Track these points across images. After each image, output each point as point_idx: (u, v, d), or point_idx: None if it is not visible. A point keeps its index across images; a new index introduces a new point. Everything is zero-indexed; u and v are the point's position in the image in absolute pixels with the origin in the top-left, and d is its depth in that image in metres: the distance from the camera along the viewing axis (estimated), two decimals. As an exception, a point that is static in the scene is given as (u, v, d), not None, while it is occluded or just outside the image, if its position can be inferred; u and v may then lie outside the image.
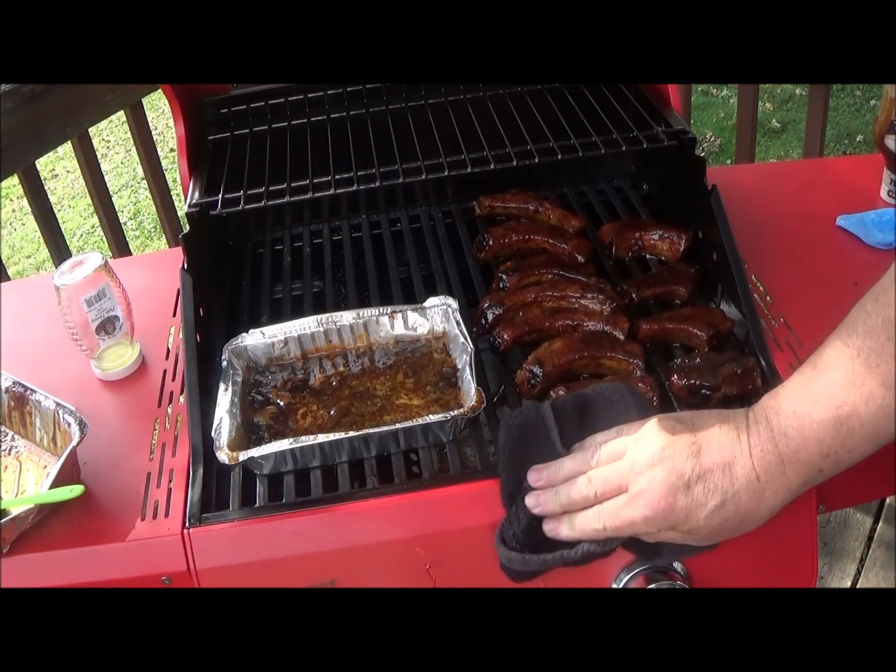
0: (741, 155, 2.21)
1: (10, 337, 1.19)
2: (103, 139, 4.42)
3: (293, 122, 1.30)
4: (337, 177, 1.13)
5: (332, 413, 0.99)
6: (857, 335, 0.73)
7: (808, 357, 0.77)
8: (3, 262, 1.91)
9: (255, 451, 0.90)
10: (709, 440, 0.74)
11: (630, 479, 0.74)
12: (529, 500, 0.79)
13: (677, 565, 0.88)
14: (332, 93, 1.32)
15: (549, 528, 0.79)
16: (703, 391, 0.94)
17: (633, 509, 0.74)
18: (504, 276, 1.13)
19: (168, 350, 1.15)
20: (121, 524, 0.90)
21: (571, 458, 0.79)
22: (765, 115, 3.62)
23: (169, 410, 1.05)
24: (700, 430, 0.75)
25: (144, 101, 2.08)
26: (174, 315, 1.20)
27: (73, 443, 0.92)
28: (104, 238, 2.22)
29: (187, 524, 0.88)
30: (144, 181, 2.92)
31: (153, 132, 2.27)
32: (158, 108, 4.30)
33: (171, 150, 3.98)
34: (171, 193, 2.28)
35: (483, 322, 1.08)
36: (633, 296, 1.09)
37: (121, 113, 2.06)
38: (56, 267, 1.08)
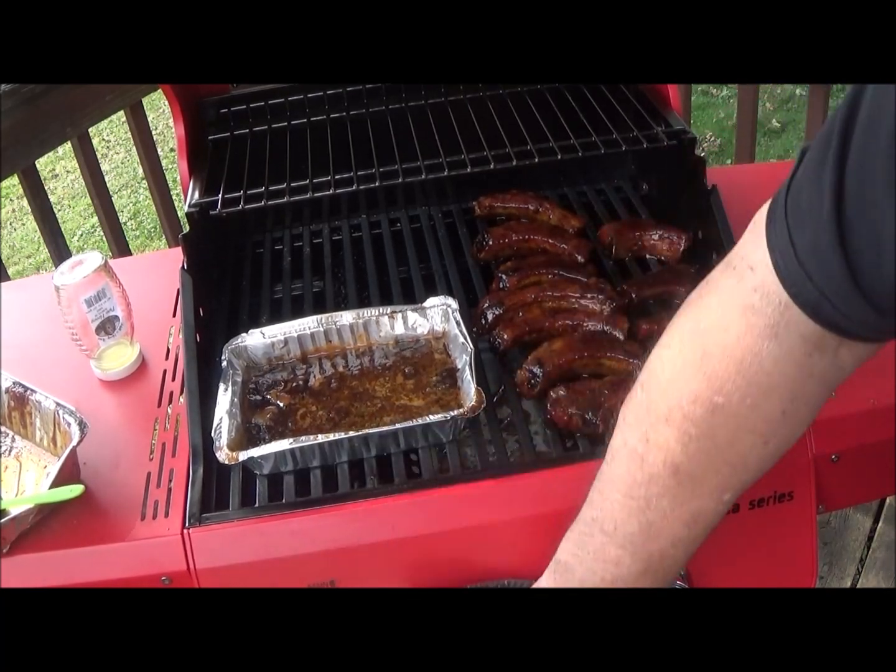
0: (741, 155, 2.21)
1: (10, 337, 1.19)
2: (103, 139, 4.41)
3: (293, 122, 1.30)
4: (337, 177, 1.13)
5: (331, 414, 0.99)
6: (638, 485, 0.67)
7: (581, 515, 0.73)
8: (3, 262, 1.91)
9: (255, 451, 0.90)
10: None
11: None
12: None
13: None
14: (332, 93, 1.32)
15: None
16: (703, 391, 0.94)
17: None
18: (504, 276, 1.13)
19: (168, 350, 1.15)
20: (121, 524, 0.90)
21: None
22: (765, 115, 3.62)
23: (169, 410, 1.05)
24: None
25: (144, 101, 2.08)
26: (174, 315, 1.20)
27: (73, 443, 0.92)
28: (104, 238, 2.22)
29: (187, 524, 0.88)
30: (144, 181, 2.92)
31: (153, 132, 2.27)
32: (158, 108, 4.30)
33: (171, 150, 3.98)
34: (171, 193, 2.28)
35: (483, 322, 1.08)
36: (633, 296, 1.09)
37: (121, 113, 2.06)
38: (56, 267, 1.08)
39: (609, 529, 0.70)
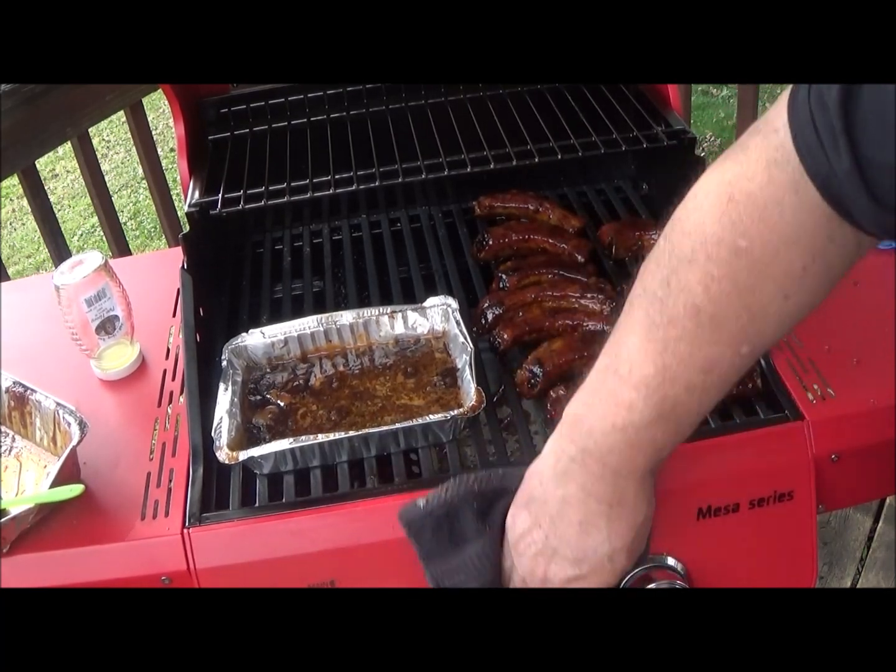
0: (741, 155, 2.21)
1: (10, 337, 1.19)
2: (103, 139, 4.42)
3: (293, 122, 1.30)
4: (337, 177, 1.13)
5: (332, 413, 0.99)
6: (657, 327, 0.67)
7: (594, 367, 0.72)
8: (3, 262, 1.91)
9: (255, 451, 0.90)
10: (555, 524, 0.73)
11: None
12: None
13: (677, 565, 0.88)
14: (332, 93, 1.32)
15: None
16: (703, 391, 0.94)
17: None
18: (504, 276, 1.13)
19: (168, 350, 1.15)
20: (121, 524, 0.90)
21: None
22: (765, 115, 3.61)
23: (169, 410, 1.05)
24: (541, 519, 0.74)
25: (144, 101, 2.08)
26: (174, 315, 1.20)
27: (73, 443, 0.92)
28: (104, 238, 2.22)
29: (187, 524, 0.88)
30: (144, 181, 2.92)
31: (153, 132, 2.27)
32: (158, 108, 4.30)
33: (171, 150, 3.98)
34: (171, 193, 2.28)
35: (483, 322, 1.08)
36: (633, 296, 1.09)
37: (121, 113, 2.06)
38: (56, 267, 1.08)
39: (624, 372, 0.68)
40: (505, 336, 1.04)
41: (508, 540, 0.78)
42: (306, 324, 1.07)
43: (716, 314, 0.65)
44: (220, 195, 1.13)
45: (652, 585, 0.86)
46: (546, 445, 0.76)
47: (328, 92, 1.32)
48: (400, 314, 1.07)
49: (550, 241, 1.20)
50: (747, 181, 0.64)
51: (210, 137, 1.29)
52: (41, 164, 2.36)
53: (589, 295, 1.07)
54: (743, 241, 0.63)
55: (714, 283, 0.64)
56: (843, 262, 0.66)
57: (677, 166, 1.19)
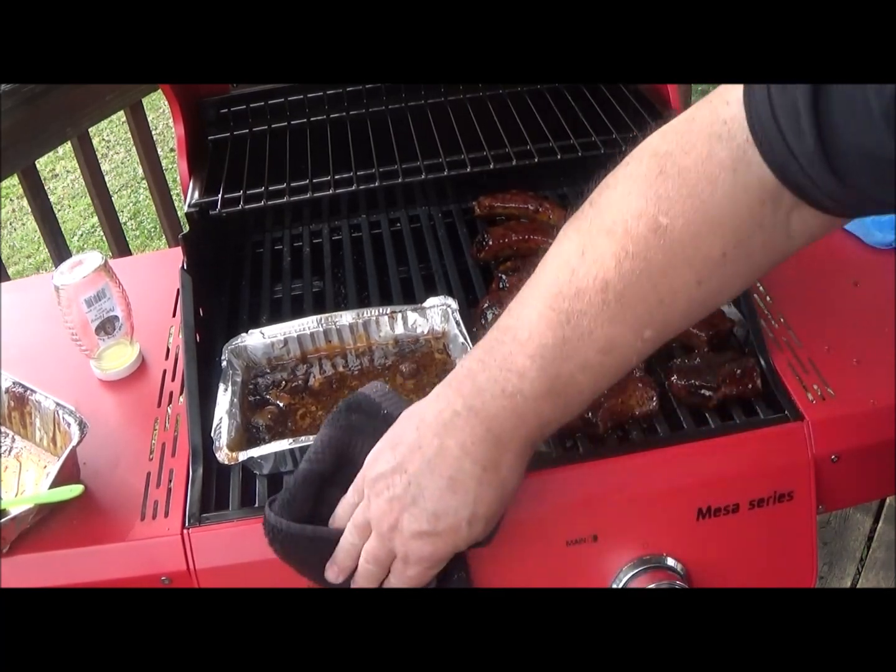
0: (741, 155, 2.21)
1: (10, 337, 1.19)
2: (103, 139, 4.41)
3: (293, 122, 1.30)
4: (336, 177, 1.13)
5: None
6: (563, 297, 0.65)
7: (497, 323, 0.69)
8: (3, 262, 1.91)
9: (255, 451, 0.90)
10: (421, 471, 0.69)
11: (390, 546, 0.72)
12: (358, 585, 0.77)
13: (677, 565, 0.88)
14: (332, 93, 1.32)
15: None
16: (702, 391, 0.94)
17: (414, 567, 0.73)
18: (504, 276, 1.13)
19: (168, 350, 1.15)
20: (120, 524, 0.90)
21: (342, 547, 0.76)
22: (765, 115, 3.61)
23: (169, 410, 1.05)
24: (408, 464, 0.70)
25: (144, 101, 2.08)
26: (174, 315, 1.20)
27: (73, 443, 0.92)
28: (104, 238, 2.22)
29: (187, 524, 0.88)
30: (144, 181, 2.92)
31: (153, 132, 2.27)
32: (158, 108, 4.30)
33: (171, 150, 3.98)
34: (171, 193, 2.28)
35: (483, 322, 1.08)
36: (633, 296, 1.09)
37: (121, 113, 2.06)
38: (56, 267, 1.08)
39: (522, 338, 0.66)
40: (505, 336, 1.04)
41: (367, 473, 0.74)
42: (306, 324, 1.07)
43: (623, 293, 0.63)
44: (219, 195, 1.13)
45: (652, 585, 0.86)
46: (433, 391, 0.72)
47: (328, 92, 1.32)
48: (400, 314, 1.07)
49: (550, 241, 1.20)
50: (683, 154, 0.62)
51: (210, 137, 1.29)
52: (41, 164, 2.36)
53: (589, 295, 1.07)
54: (664, 219, 0.61)
55: (627, 259, 0.62)
56: (766, 254, 0.64)
57: (677, 166, 1.19)
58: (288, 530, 0.77)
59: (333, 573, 0.77)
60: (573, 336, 0.64)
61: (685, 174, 0.61)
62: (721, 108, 0.62)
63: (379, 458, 0.73)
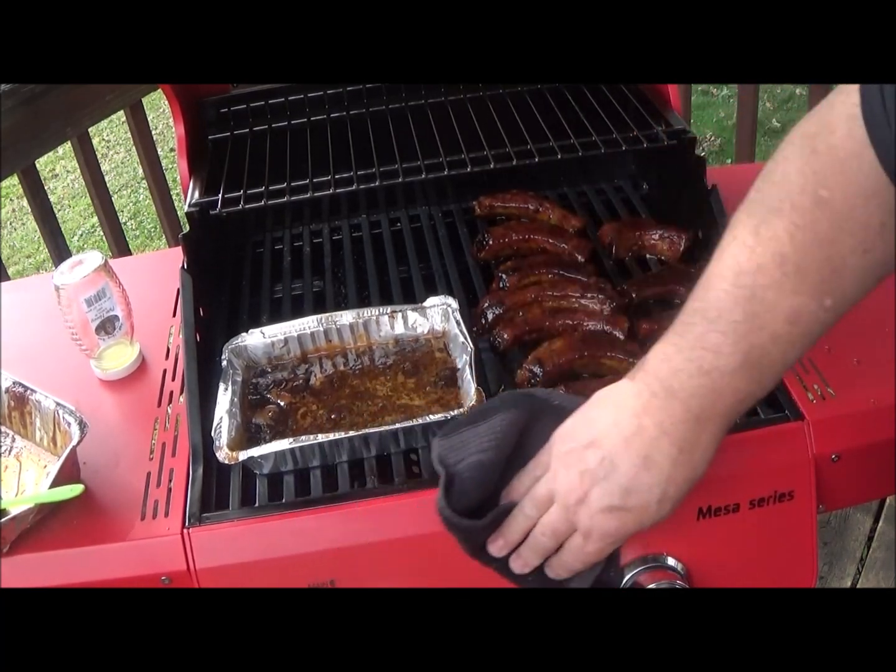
0: (741, 155, 2.21)
1: (10, 337, 1.19)
2: (103, 139, 4.42)
3: (293, 122, 1.30)
4: (337, 176, 1.13)
5: (332, 413, 0.99)
6: (745, 274, 0.69)
7: (684, 309, 0.74)
8: (3, 262, 1.91)
9: (255, 451, 0.90)
10: (616, 448, 0.72)
11: (573, 519, 0.74)
12: (516, 566, 0.80)
13: (677, 565, 0.88)
14: (332, 92, 1.32)
15: (548, 573, 0.80)
16: (703, 391, 0.94)
17: (593, 543, 0.75)
18: (504, 276, 1.13)
19: (168, 350, 1.15)
20: (120, 524, 0.90)
21: (515, 520, 0.78)
22: (765, 114, 3.62)
23: (169, 410, 1.05)
24: (602, 440, 0.73)
25: (144, 101, 2.08)
26: (174, 315, 1.20)
27: (73, 443, 0.92)
28: (104, 238, 2.22)
29: (187, 524, 0.88)
30: (144, 181, 2.92)
31: (153, 132, 2.27)
32: (158, 108, 4.30)
33: (171, 150, 3.98)
34: (171, 193, 2.28)
35: (483, 322, 1.08)
36: (633, 296, 1.09)
37: (121, 113, 2.06)
38: (56, 267, 1.08)
39: (712, 317, 0.70)
40: (505, 336, 1.04)
41: (556, 448, 0.76)
42: (306, 324, 1.07)
43: (800, 264, 0.67)
44: (220, 195, 1.13)
45: (652, 585, 0.86)
46: (627, 377, 0.76)
47: (328, 92, 1.32)
48: (400, 314, 1.07)
49: (550, 241, 1.20)
50: (829, 134, 0.67)
51: (210, 137, 1.29)
52: (41, 164, 2.37)
53: (589, 295, 1.07)
54: (824, 192, 0.66)
55: (798, 231, 0.67)
56: None
57: (677, 166, 1.19)
58: (460, 525, 0.78)
59: (498, 547, 0.79)
60: (761, 310, 0.68)
61: (834, 151, 0.67)
62: (853, 94, 0.66)
63: (572, 434, 0.76)
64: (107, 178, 2.19)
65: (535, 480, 0.77)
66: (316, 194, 1.12)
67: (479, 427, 0.80)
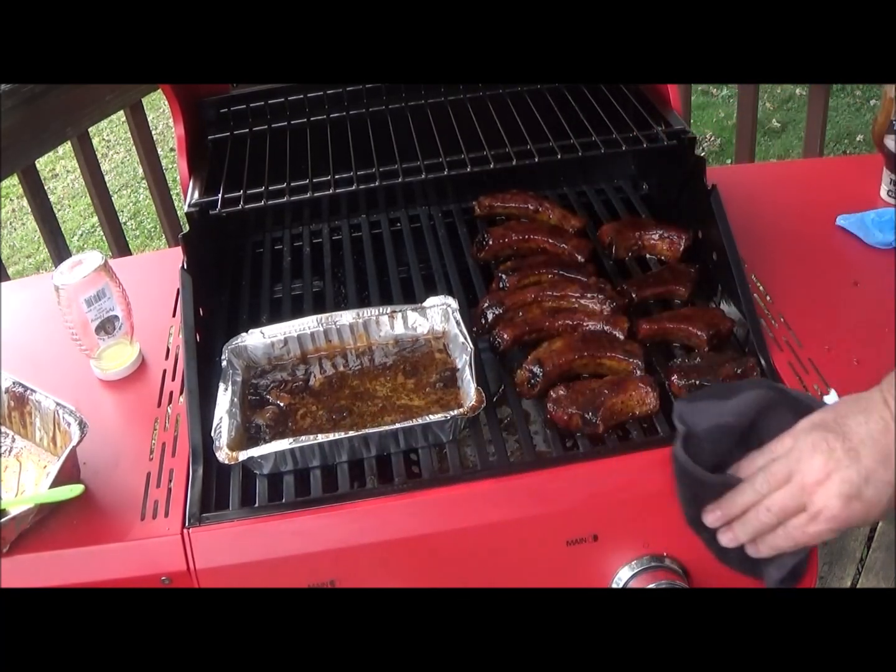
0: (741, 155, 2.21)
1: (10, 337, 1.19)
2: (103, 139, 4.42)
3: (293, 122, 1.30)
4: (337, 176, 1.13)
5: (332, 413, 0.99)
6: None
7: None
8: (3, 262, 1.91)
9: (255, 451, 0.90)
10: (863, 441, 0.77)
11: (805, 499, 0.78)
12: (724, 539, 0.84)
13: (677, 565, 0.88)
14: (332, 93, 1.32)
15: (751, 550, 0.84)
16: (703, 391, 0.94)
17: (818, 525, 0.78)
18: (504, 276, 1.13)
19: (168, 350, 1.15)
20: (120, 524, 0.90)
21: (741, 493, 0.82)
22: (765, 115, 3.62)
23: (169, 410, 1.05)
24: (851, 433, 0.77)
25: (144, 101, 2.08)
26: (174, 315, 1.20)
27: (73, 443, 0.92)
28: (104, 238, 2.22)
29: (187, 524, 0.88)
30: (144, 181, 2.92)
31: (153, 132, 2.27)
32: (158, 108, 4.30)
33: (171, 150, 3.98)
34: (171, 193, 2.28)
35: (483, 322, 1.08)
36: (633, 296, 1.09)
37: (121, 113, 2.06)
38: (56, 267, 1.08)
39: None
40: (505, 336, 1.04)
41: (803, 433, 0.80)
42: (306, 324, 1.06)
43: None
44: (219, 195, 1.13)
45: (652, 585, 0.86)
46: (876, 387, 0.79)
47: (328, 92, 1.32)
48: (400, 314, 1.07)
49: (550, 241, 1.20)
50: None
51: (210, 137, 1.29)
52: (41, 164, 2.36)
53: (589, 295, 1.07)
54: None
55: None
56: None
57: (677, 166, 1.19)
58: (694, 471, 0.83)
59: (714, 517, 0.84)
60: None
61: None
62: None
63: (822, 424, 0.80)
64: (107, 178, 2.19)
65: (771, 461, 0.81)
66: (316, 194, 1.12)
67: (722, 399, 0.86)
